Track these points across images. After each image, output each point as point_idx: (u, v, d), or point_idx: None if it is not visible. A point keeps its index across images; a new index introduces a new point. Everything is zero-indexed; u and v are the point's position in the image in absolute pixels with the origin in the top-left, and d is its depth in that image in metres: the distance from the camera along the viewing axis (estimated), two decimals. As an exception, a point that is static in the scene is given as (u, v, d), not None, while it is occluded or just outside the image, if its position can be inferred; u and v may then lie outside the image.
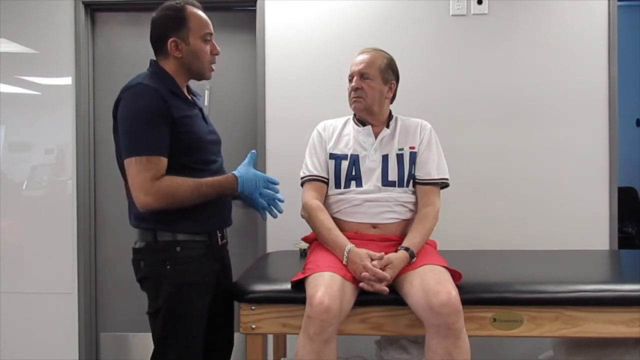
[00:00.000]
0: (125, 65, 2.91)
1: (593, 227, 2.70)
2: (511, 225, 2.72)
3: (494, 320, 1.87)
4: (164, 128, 1.72)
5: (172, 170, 1.74)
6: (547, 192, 2.71)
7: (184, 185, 1.73)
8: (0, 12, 2.86)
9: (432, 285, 1.75)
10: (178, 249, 1.77)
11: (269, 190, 1.88)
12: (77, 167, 2.86)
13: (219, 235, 1.89)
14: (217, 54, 1.88)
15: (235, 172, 1.84)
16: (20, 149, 2.93)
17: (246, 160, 1.89)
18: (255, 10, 2.80)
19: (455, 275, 1.86)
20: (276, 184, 1.91)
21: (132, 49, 2.93)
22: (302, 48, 2.77)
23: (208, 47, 1.84)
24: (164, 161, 1.72)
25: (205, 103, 2.87)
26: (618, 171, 2.71)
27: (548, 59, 2.71)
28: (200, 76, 1.88)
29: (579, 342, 2.18)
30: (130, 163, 1.70)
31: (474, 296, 1.85)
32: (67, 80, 2.86)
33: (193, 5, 1.84)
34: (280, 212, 1.92)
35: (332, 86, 2.69)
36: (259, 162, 2.79)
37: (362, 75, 2.08)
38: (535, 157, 2.71)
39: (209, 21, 1.86)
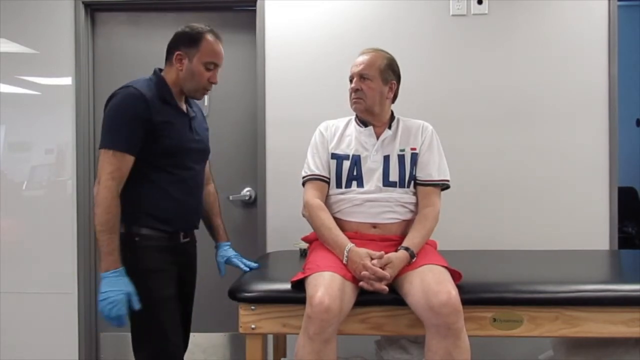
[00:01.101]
0: (125, 65, 2.92)
1: (593, 227, 2.70)
2: (511, 225, 2.72)
3: (494, 320, 1.87)
4: (139, 130, 1.85)
5: (148, 169, 1.87)
6: (547, 192, 2.71)
7: (111, 214, 1.80)
8: (0, 12, 2.86)
9: (432, 285, 1.75)
10: (137, 239, 1.88)
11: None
12: (77, 167, 2.86)
13: (182, 234, 2.00)
14: (214, 83, 2.00)
15: (121, 271, 1.80)
16: (20, 149, 2.93)
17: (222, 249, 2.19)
18: (255, 10, 2.80)
19: (455, 275, 1.86)
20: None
21: (132, 49, 2.93)
22: (302, 48, 2.77)
23: (207, 74, 1.96)
24: (128, 158, 1.84)
25: (205, 103, 2.87)
26: (618, 171, 2.71)
27: (548, 59, 2.71)
28: (191, 95, 2.02)
29: (579, 342, 2.18)
30: (102, 154, 1.85)
31: (474, 296, 1.85)
32: (67, 80, 2.86)
33: (215, 36, 1.98)
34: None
35: (332, 86, 2.69)
36: (259, 162, 2.79)
37: (361, 76, 2.08)
38: (535, 157, 2.71)
39: (220, 54, 1.98)
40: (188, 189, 1.98)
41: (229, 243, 2.24)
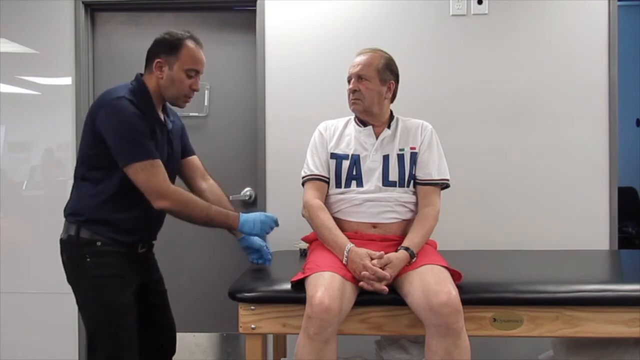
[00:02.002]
0: (125, 65, 2.90)
1: (593, 227, 2.70)
2: (511, 225, 2.71)
3: (494, 320, 1.87)
4: (149, 136, 1.85)
5: (121, 179, 1.84)
6: (546, 192, 2.71)
7: (197, 200, 1.90)
8: (0, 12, 2.86)
9: (432, 285, 1.75)
10: (99, 243, 1.86)
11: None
12: (77, 167, 2.86)
13: (139, 245, 1.98)
14: (195, 90, 1.97)
15: (240, 213, 2.00)
16: (20, 149, 2.93)
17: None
18: (255, 10, 2.79)
19: (455, 275, 1.86)
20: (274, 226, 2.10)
21: (132, 49, 2.92)
22: (303, 48, 2.77)
23: (189, 81, 1.93)
24: (161, 163, 1.84)
25: (205, 103, 2.87)
26: (618, 171, 2.70)
27: (548, 58, 2.70)
28: (173, 103, 1.99)
29: (579, 342, 2.18)
30: (137, 169, 1.80)
31: (474, 296, 1.85)
32: (67, 80, 2.86)
33: (195, 42, 1.94)
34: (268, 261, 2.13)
35: (332, 86, 2.68)
36: (259, 162, 2.79)
37: (359, 77, 2.08)
38: (535, 157, 2.71)
39: (201, 61, 1.95)
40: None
41: None
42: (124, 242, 1.89)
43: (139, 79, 1.94)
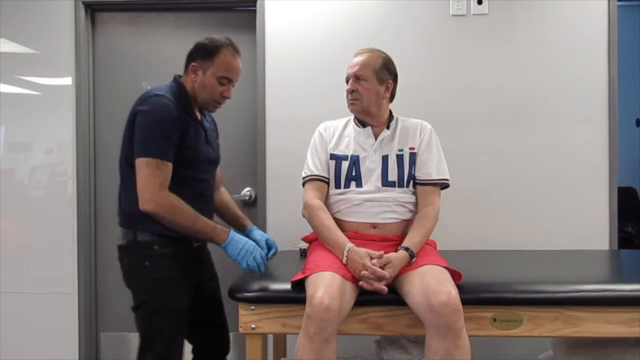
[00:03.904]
0: (125, 65, 2.92)
1: (593, 227, 2.70)
2: (511, 225, 2.72)
3: (494, 320, 1.87)
4: (174, 140, 1.85)
5: (173, 176, 1.85)
6: (547, 192, 2.71)
7: (185, 209, 1.85)
8: (0, 12, 2.86)
9: (432, 285, 1.75)
10: (156, 247, 1.88)
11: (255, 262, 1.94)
12: (77, 167, 2.86)
13: (194, 239, 1.98)
14: (227, 98, 1.99)
15: (232, 230, 1.94)
16: (20, 149, 2.93)
17: (255, 233, 2.07)
18: (255, 11, 2.80)
19: (455, 276, 1.86)
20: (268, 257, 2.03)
21: (132, 49, 2.93)
22: (303, 48, 2.77)
23: (220, 88, 1.95)
24: (171, 168, 1.84)
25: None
26: (618, 171, 2.71)
27: (548, 58, 2.71)
28: (203, 107, 2.02)
29: (579, 342, 2.18)
30: (142, 164, 1.82)
31: (474, 296, 1.85)
32: (67, 80, 2.86)
33: (233, 50, 1.98)
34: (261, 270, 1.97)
35: (332, 86, 2.68)
36: (259, 162, 2.79)
37: (357, 77, 2.08)
38: (535, 157, 2.71)
39: (235, 69, 1.98)
40: (202, 201, 1.97)
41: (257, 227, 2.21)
42: (179, 239, 1.90)
43: (177, 79, 1.98)
